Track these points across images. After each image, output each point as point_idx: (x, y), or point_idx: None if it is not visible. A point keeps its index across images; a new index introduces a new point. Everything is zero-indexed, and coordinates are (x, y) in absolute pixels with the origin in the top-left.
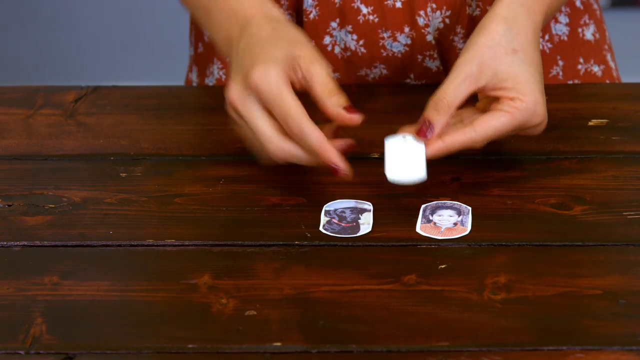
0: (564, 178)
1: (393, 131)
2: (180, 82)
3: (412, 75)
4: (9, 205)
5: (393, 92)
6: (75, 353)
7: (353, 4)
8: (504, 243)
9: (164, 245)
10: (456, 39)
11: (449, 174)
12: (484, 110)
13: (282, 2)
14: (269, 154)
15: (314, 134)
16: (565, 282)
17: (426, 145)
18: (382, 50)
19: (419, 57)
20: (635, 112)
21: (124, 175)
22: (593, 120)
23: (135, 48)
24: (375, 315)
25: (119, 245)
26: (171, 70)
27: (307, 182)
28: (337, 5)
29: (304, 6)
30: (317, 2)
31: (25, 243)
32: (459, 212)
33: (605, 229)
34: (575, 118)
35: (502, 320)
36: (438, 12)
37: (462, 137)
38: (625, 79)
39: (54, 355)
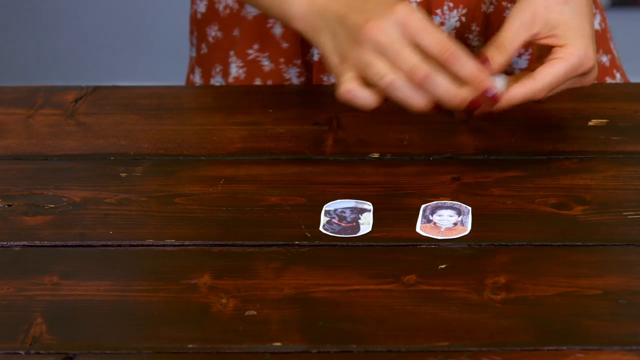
0: (564, 178)
1: (393, 131)
2: (180, 82)
3: None
4: (9, 205)
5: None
6: (75, 353)
7: None
8: (504, 243)
9: (164, 245)
10: (471, 37)
11: (449, 174)
12: (539, 56)
13: None
14: (415, 74)
15: (472, 61)
16: (565, 282)
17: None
18: None
19: None
20: (635, 112)
21: (124, 175)
22: (593, 120)
23: (135, 48)
24: (375, 315)
25: (119, 245)
26: (171, 70)
27: (307, 182)
28: None
29: None
30: None
31: (25, 243)
32: (459, 212)
33: (605, 229)
34: (575, 118)
35: (502, 320)
36: (455, 11)
37: (523, 88)
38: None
39: (54, 355)
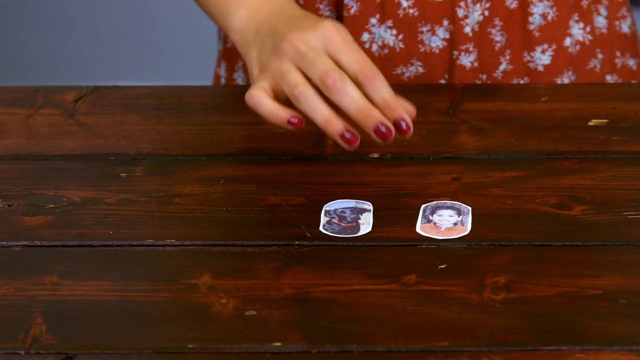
0: (564, 178)
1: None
2: (180, 82)
3: (446, 75)
4: (9, 205)
5: (393, 92)
6: (75, 353)
7: None
8: (504, 243)
9: (164, 245)
10: (493, 31)
11: (449, 174)
12: None
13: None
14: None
15: (388, 87)
16: (565, 282)
17: None
18: (420, 46)
19: (455, 53)
20: (635, 112)
21: (124, 175)
22: (593, 120)
23: (135, 48)
24: (375, 315)
25: (119, 245)
26: (171, 70)
27: (307, 182)
28: (378, 0)
29: (345, 1)
30: None
31: (25, 243)
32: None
33: (605, 229)
34: (575, 118)
35: (502, 320)
36: (478, 5)
37: None
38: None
39: (54, 355)
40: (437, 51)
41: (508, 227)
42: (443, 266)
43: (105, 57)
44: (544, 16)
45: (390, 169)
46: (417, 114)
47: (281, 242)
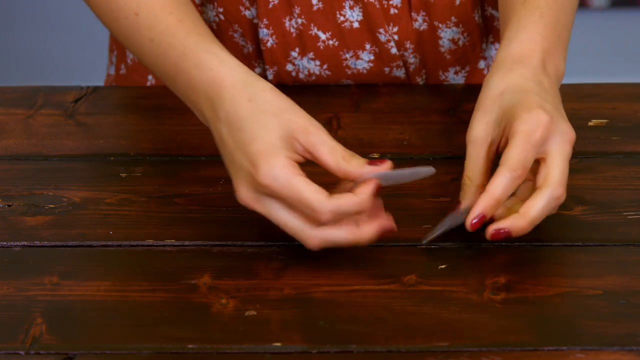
0: None
1: (393, 131)
2: None
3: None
4: (9, 205)
5: (393, 92)
6: (75, 353)
7: (310, 32)
8: (504, 243)
9: (164, 245)
10: (406, 54)
11: (449, 174)
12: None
13: (240, 32)
14: (306, 244)
15: (351, 204)
16: (565, 282)
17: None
18: (347, 70)
19: (386, 69)
20: (635, 112)
21: (124, 175)
22: (593, 120)
23: None
24: (375, 315)
25: (119, 245)
26: None
27: None
28: (294, 35)
29: (260, 36)
30: (273, 32)
31: (25, 243)
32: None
33: (605, 229)
34: (575, 118)
35: (502, 320)
36: (396, 27)
37: (505, 223)
38: (625, 79)
39: (54, 355)
40: (365, 72)
41: None
42: (443, 266)
43: (105, 57)
44: (452, 41)
45: None
46: (418, 114)
47: (281, 242)
